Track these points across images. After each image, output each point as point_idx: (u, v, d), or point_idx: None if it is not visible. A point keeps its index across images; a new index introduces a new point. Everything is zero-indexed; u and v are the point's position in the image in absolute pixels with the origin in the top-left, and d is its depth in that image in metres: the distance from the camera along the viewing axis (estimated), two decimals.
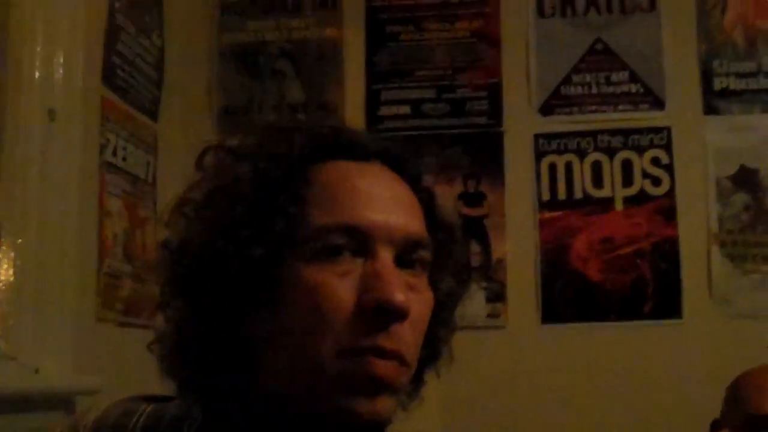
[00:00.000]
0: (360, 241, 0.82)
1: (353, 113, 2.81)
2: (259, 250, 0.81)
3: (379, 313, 0.79)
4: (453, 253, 0.94)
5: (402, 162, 0.90)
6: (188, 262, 0.84)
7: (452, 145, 2.78)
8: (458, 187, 2.73)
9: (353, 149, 0.88)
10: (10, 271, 1.83)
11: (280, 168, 0.85)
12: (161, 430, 0.76)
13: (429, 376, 0.93)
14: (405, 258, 0.84)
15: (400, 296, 0.79)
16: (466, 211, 2.73)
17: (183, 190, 0.89)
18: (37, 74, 1.94)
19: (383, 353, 0.79)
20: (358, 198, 0.83)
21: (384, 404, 0.80)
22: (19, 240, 1.85)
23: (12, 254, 1.84)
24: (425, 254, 0.86)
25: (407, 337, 0.81)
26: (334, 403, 0.79)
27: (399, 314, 0.79)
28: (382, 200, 0.84)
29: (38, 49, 1.95)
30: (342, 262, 0.81)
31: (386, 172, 0.88)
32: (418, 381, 0.89)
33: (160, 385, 0.88)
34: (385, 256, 0.82)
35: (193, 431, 0.78)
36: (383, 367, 0.79)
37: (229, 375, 0.84)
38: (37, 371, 1.82)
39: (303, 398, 0.81)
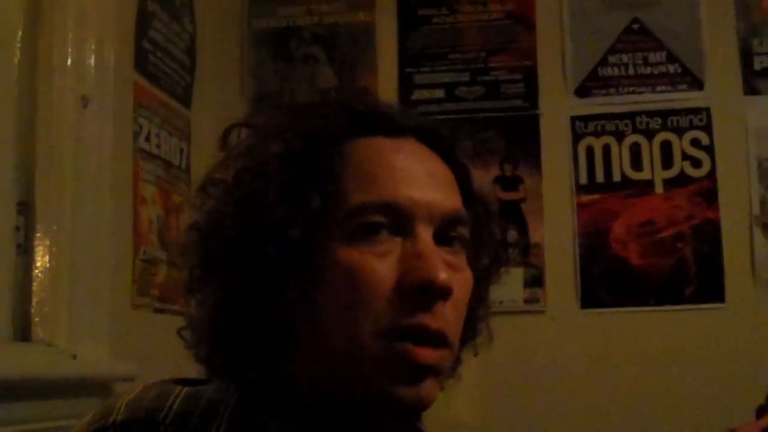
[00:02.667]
0: (398, 219, 0.80)
1: (386, 97, 2.76)
2: (294, 230, 0.79)
3: (422, 293, 0.77)
4: (490, 229, 0.92)
5: (437, 138, 0.88)
6: (220, 244, 0.83)
7: (488, 129, 2.75)
8: (495, 171, 2.70)
9: (388, 125, 0.86)
10: (46, 258, 1.83)
11: (315, 145, 0.83)
12: (196, 413, 0.75)
13: (467, 360, 0.91)
14: (444, 235, 0.82)
15: (443, 275, 0.77)
16: (502, 195, 2.70)
17: (209, 169, 0.88)
18: (69, 61, 1.93)
19: (427, 333, 0.77)
20: (395, 175, 0.81)
21: (427, 389, 0.79)
22: (55, 227, 1.85)
23: (47, 241, 1.84)
24: (464, 231, 0.84)
25: (450, 316, 0.80)
26: (376, 387, 0.78)
27: (442, 293, 0.78)
28: (419, 177, 0.82)
29: (70, 35, 1.94)
30: (380, 242, 0.79)
31: (422, 148, 0.87)
32: (456, 360, 0.88)
33: (196, 371, 0.87)
34: (425, 234, 0.80)
35: (229, 414, 0.76)
36: (425, 354, 0.77)
37: (264, 358, 0.83)
38: (74, 357, 1.82)
39: (342, 381, 0.79)
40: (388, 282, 0.78)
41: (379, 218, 0.79)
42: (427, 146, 0.87)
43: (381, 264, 0.78)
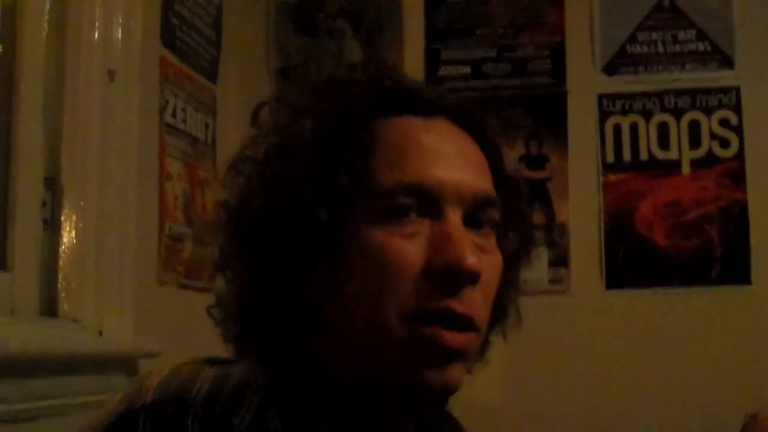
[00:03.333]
0: (428, 201, 0.79)
1: (412, 73, 2.72)
2: (323, 210, 0.79)
3: (450, 277, 0.77)
4: (520, 211, 0.92)
5: (468, 117, 0.87)
6: (249, 223, 0.83)
7: (514, 106, 2.69)
8: (520, 149, 2.68)
9: (418, 104, 0.85)
10: (73, 234, 1.83)
11: (344, 124, 0.82)
12: (225, 395, 0.75)
13: (494, 340, 0.91)
14: (473, 217, 0.82)
15: (472, 259, 0.76)
16: (528, 173, 2.68)
17: (239, 147, 0.87)
18: (96, 35, 1.93)
19: (454, 317, 0.77)
20: (425, 156, 0.81)
21: (454, 373, 0.78)
22: (81, 202, 1.85)
23: (74, 217, 1.84)
24: (494, 213, 0.84)
25: (478, 300, 0.79)
26: (402, 370, 0.78)
27: (470, 278, 0.77)
28: (449, 158, 0.82)
29: (97, 9, 1.94)
30: (409, 223, 0.79)
31: (452, 127, 0.86)
32: (484, 343, 0.87)
33: (221, 348, 0.87)
34: (454, 216, 0.80)
35: (257, 397, 0.76)
36: (452, 338, 0.77)
37: (292, 339, 0.83)
38: (100, 333, 1.83)
39: (369, 363, 0.79)
40: (416, 264, 0.77)
41: (407, 200, 0.79)
42: (457, 126, 0.86)
43: (409, 246, 0.78)
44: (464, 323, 0.78)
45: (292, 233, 0.79)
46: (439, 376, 0.77)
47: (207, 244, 2.22)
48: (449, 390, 0.79)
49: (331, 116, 0.83)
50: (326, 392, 0.82)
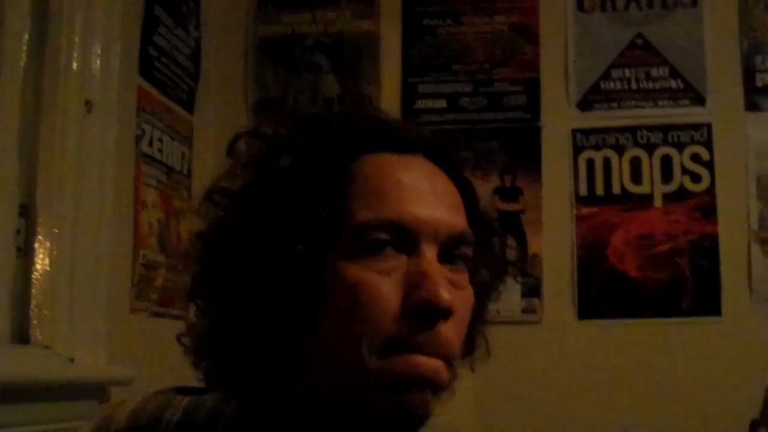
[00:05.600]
0: (405, 237, 0.80)
1: (389, 107, 2.79)
2: (301, 246, 0.79)
3: (425, 312, 0.78)
4: (491, 246, 0.93)
5: (444, 155, 0.89)
6: (224, 254, 0.83)
7: (489, 140, 2.76)
8: (494, 182, 2.71)
9: (396, 141, 0.86)
10: (46, 261, 1.84)
11: (323, 161, 0.83)
12: (197, 423, 0.75)
13: (464, 370, 0.92)
14: (448, 253, 0.83)
15: (445, 295, 0.77)
16: (502, 206, 2.71)
17: (215, 178, 0.88)
18: (74, 65, 1.94)
19: (427, 348, 0.78)
20: (401, 193, 0.82)
21: (426, 399, 0.79)
22: (55, 230, 1.85)
23: (48, 244, 1.84)
24: (468, 250, 0.85)
25: (451, 334, 0.80)
26: (376, 401, 0.78)
27: (444, 314, 0.78)
28: (426, 195, 0.83)
29: (76, 39, 1.95)
30: (385, 259, 0.79)
31: (429, 165, 0.87)
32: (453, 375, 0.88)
33: (194, 376, 0.87)
34: (430, 252, 0.80)
35: (228, 426, 0.77)
36: (425, 363, 0.78)
37: (265, 370, 0.83)
38: (72, 360, 1.83)
39: (343, 395, 0.80)
40: (393, 300, 0.78)
41: (384, 235, 0.79)
42: (433, 163, 0.87)
43: (385, 282, 0.78)
44: (437, 353, 0.79)
45: (269, 267, 0.79)
46: (413, 402, 0.78)
47: (181, 272, 2.23)
48: (422, 417, 0.80)
49: (310, 152, 0.84)
50: (298, 423, 0.82)
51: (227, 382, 0.84)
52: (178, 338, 0.88)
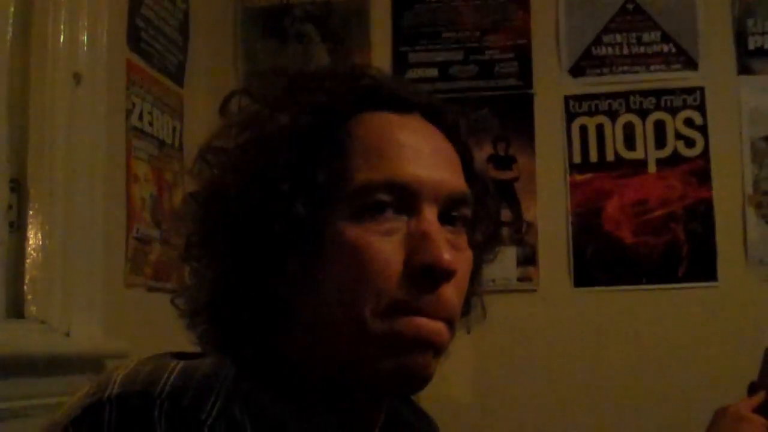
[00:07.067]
0: (405, 198, 0.80)
1: None
2: (300, 205, 0.79)
3: (428, 275, 0.78)
4: (488, 208, 0.92)
5: (441, 115, 0.88)
6: (221, 215, 0.82)
7: (481, 108, 2.73)
8: (488, 150, 2.69)
9: (395, 100, 0.85)
10: (39, 236, 1.83)
11: (322, 120, 0.82)
12: (192, 387, 0.74)
13: (462, 338, 0.92)
14: (447, 214, 0.82)
15: (447, 257, 0.77)
16: (495, 174, 2.70)
17: (209, 137, 0.87)
18: (61, 38, 1.92)
19: (430, 311, 0.78)
20: (402, 153, 0.81)
21: (429, 361, 0.79)
22: (48, 205, 1.84)
23: (40, 219, 1.84)
24: (467, 211, 0.85)
25: (452, 296, 0.80)
26: (378, 363, 0.78)
27: (446, 275, 0.78)
28: (425, 155, 0.82)
29: (63, 12, 1.93)
30: (386, 220, 0.79)
31: (427, 125, 0.86)
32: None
33: (189, 347, 0.87)
34: (430, 214, 0.80)
35: (225, 390, 0.76)
36: (427, 325, 0.78)
37: (261, 334, 0.83)
38: (67, 335, 1.82)
39: (343, 357, 0.80)
40: (395, 262, 0.78)
41: (385, 196, 0.79)
42: (431, 123, 0.86)
43: (386, 243, 0.78)
44: (439, 316, 0.79)
45: (268, 228, 0.79)
46: (416, 364, 0.78)
47: (176, 240, 2.21)
48: (424, 378, 0.80)
49: (309, 111, 0.82)
50: (296, 386, 0.81)
51: (223, 344, 0.83)
52: (172, 300, 0.87)
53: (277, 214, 0.79)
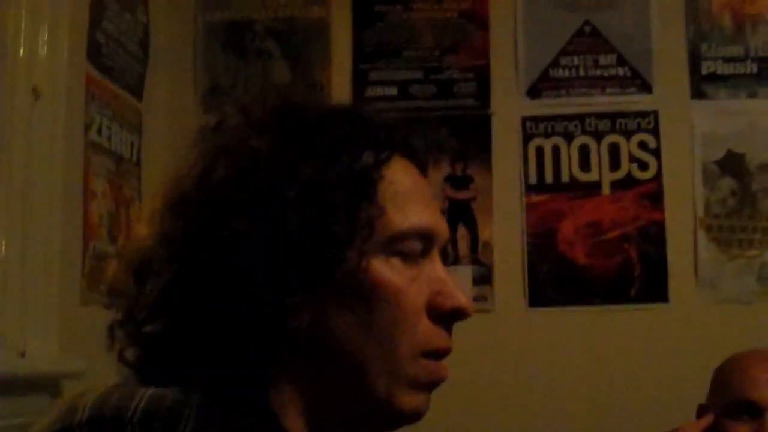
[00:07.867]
0: (429, 244, 0.85)
1: (340, 93, 2.78)
2: (335, 250, 0.80)
3: (452, 318, 0.84)
4: None
5: (418, 153, 0.90)
6: (231, 248, 0.79)
7: (439, 127, 2.75)
8: (445, 170, 2.71)
9: (403, 144, 0.87)
10: None
11: (351, 164, 0.82)
12: (162, 412, 0.75)
13: None
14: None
15: (467, 301, 0.84)
16: (453, 194, 2.72)
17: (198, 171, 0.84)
18: (21, 51, 1.91)
19: (447, 353, 0.85)
20: (421, 199, 0.86)
21: (428, 398, 0.86)
22: (4, 221, 1.82)
23: None
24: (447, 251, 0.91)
25: None
26: (395, 400, 0.82)
27: (465, 317, 0.85)
28: (432, 201, 0.88)
29: (23, 25, 1.92)
30: (416, 266, 0.84)
31: (411, 165, 0.88)
32: None
33: None
34: (438, 257, 0.86)
35: (194, 415, 0.76)
36: (445, 369, 0.85)
37: (249, 363, 0.81)
38: (23, 354, 1.80)
39: (371, 390, 0.82)
40: (423, 305, 0.83)
41: (417, 245, 0.83)
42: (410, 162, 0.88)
43: (415, 287, 0.83)
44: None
45: (308, 265, 0.79)
46: (427, 401, 0.85)
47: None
48: (425, 413, 0.86)
49: (334, 155, 0.82)
50: (295, 415, 0.83)
51: (188, 377, 0.81)
52: (110, 329, 0.87)
53: (298, 252, 0.79)
